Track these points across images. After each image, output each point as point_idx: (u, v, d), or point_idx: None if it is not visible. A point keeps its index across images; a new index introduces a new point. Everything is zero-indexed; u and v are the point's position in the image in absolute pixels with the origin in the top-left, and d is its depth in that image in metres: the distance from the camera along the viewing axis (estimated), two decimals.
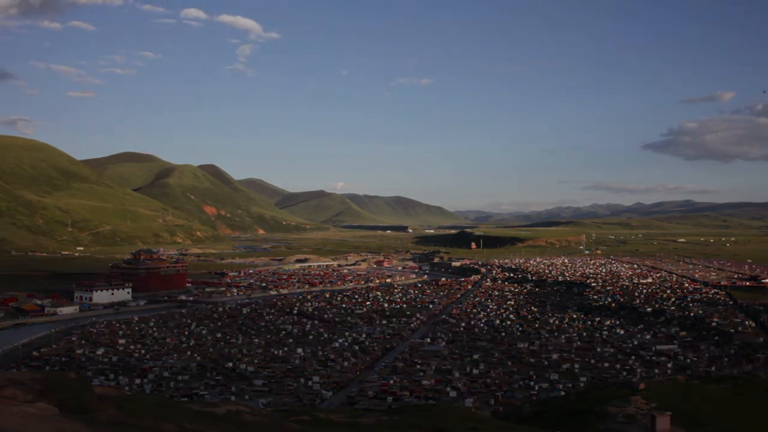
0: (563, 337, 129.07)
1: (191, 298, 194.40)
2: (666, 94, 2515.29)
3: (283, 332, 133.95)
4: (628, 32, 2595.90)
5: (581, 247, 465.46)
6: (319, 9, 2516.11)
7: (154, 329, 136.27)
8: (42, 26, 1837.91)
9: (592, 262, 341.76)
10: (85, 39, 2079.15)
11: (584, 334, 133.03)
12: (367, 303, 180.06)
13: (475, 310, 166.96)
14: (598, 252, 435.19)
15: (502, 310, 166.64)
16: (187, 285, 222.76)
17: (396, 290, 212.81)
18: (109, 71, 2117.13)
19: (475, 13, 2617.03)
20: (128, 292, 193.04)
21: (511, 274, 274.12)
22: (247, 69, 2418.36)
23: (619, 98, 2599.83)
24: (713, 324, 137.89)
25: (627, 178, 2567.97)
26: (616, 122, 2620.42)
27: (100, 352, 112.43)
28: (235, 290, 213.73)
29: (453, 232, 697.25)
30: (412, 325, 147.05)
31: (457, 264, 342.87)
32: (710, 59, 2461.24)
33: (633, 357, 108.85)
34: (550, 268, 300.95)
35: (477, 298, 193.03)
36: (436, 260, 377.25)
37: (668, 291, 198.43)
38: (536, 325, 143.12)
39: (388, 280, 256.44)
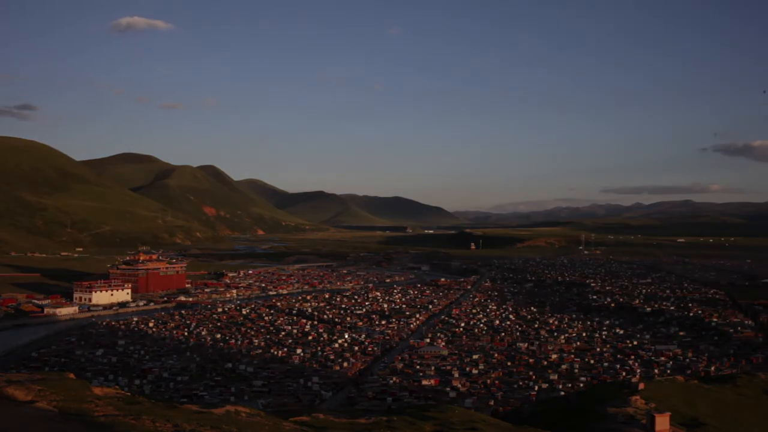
0: (563, 337, 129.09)
1: (191, 299, 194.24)
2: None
3: (283, 333, 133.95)
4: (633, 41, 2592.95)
5: (580, 248, 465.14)
6: (320, 9, 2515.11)
7: (154, 330, 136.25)
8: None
9: (591, 262, 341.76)
10: (86, 41, 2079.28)
11: (584, 334, 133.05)
12: (367, 303, 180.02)
13: (474, 311, 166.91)
14: (597, 252, 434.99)
15: (502, 311, 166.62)
16: (187, 286, 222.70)
17: (395, 291, 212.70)
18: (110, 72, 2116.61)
19: (471, 14, 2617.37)
20: (128, 293, 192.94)
21: (511, 275, 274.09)
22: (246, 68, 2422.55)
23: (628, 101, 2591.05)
24: (713, 324, 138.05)
25: (634, 179, 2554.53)
26: (622, 125, 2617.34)
27: (99, 352, 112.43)
28: (234, 291, 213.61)
29: (452, 232, 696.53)
30: (412, 325, 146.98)
31: (456, 264, 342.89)
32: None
33: (633, 357, 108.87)
34: (550, 268, 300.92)
35: (476, 299, 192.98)
36: (436, 261, 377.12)
37: (668, 291, 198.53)
38: (536, 326, 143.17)
39: (388, 281, 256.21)
